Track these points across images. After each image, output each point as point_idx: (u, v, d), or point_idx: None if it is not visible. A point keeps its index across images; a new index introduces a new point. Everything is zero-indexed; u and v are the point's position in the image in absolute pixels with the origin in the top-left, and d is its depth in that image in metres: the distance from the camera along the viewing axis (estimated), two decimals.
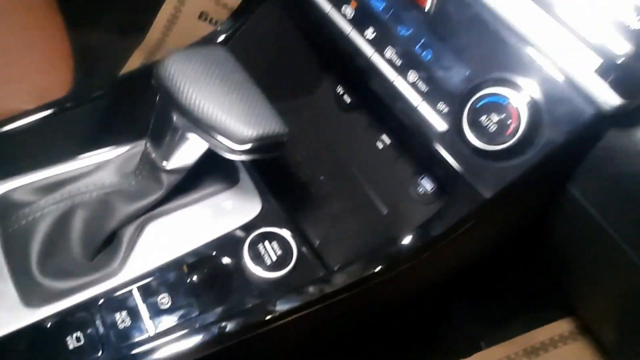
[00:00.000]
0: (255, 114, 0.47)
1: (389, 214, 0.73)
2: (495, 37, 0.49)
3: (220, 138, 0.47)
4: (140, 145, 0.59)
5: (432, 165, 0.64)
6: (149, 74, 0.51)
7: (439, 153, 0.54)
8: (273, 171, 0.67)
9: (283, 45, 0.72)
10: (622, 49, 0.39)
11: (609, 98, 0.42)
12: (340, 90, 0.76)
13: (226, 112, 0.47)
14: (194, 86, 0.47)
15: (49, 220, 0.54)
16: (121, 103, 0.66)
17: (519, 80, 0.48)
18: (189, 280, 0.56)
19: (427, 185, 0.70)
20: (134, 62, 1.51)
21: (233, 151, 0.48)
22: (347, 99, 0.76)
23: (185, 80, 0.47)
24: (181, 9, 1.56)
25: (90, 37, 1.50)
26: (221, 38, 0.69)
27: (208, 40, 0.70)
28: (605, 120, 0.45)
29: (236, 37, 0.69)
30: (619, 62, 0.39)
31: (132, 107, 0.66)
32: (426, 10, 0.54)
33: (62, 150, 0.61)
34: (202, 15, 1.56)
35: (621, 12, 0.38)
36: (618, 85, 0.40)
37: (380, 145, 0.74)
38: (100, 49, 1.49)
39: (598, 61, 0.40)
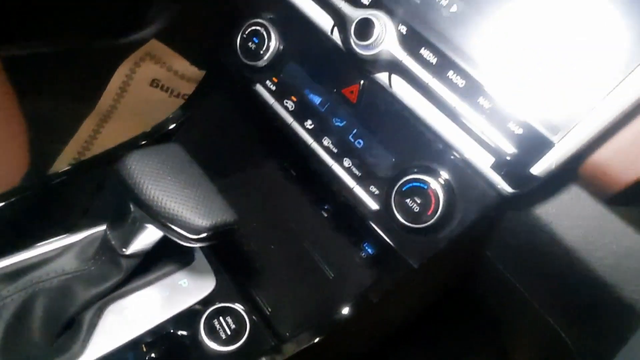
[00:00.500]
0: (208, 205, 0.53)
1: (335, 278, 0.79)
2: (415, 132, 0.57)
3: (176, 229, 0.52)
4: (99, 232, 0.63)
5: (369, 236, 0.71)
6: (104, 162, 0.56)
7: (373, 228, 0.62)
8: (226, 246, 0.73)
9: (231, 127, 0.79)
10: (508, 150, 0.48)
11: (504, 187, 0.50)
12: (286, 164, 0.83)
13: (181, 205, 0.52)
14: (152, 182, 0.53)
15: (11, 310, 0.56)
16: (78, 189, 0.70)
17: (437, 168, 0.56)
18: (147, 359, 0.59)
19: (369, 249, 0.76)
20: (86, 129, 1.54)
21: (188, 240, 0.53)
22: (293, 172, 0.83)
23: (144, 176, 0.53)
24: (133, 77, 1.61)
25: (42, 105, 1.51)
26: (172, 126, 0.75)
27: (160, 127, 0.75)
28: (506, 201, 0.54)
29: (188, 122, 0.75)
30: (507, 159, 0.48)
31: (88, 194, 0.71)
32: (355, 105, 0.62)
33: (23, 237, 0.64)
34: (154, 82, 1.62)
35: (508, 121, 0.48)
36: (508, 178, 0.49)
37: (325, 214, 0.81)
38: (51, 117, 1.51)
39: (492, 159, 0.49)
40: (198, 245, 0.54)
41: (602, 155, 0.48)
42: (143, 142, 0.74)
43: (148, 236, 0.57)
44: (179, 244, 0.55)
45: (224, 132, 0.79)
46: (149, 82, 1.61)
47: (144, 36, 1.60)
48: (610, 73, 0.43)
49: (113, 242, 0.59)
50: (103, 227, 0.60)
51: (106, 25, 1.56)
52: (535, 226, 0.56)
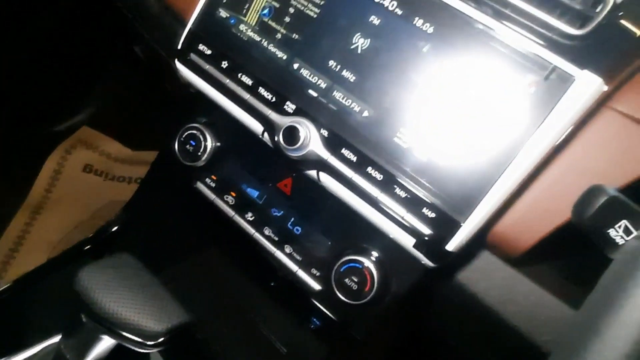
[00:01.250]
0: (162, 310, 0.57)
1: (288, 353, 0.83)
2: (347, 218, 0.64)
3: (133, 337, 0.55)
4: (52, 345, 0.64)
5: (316, 312, 0.76)
6: (50, 271, 0.58)
7: (318, 306, 0.67)
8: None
9: (176, 223, 0.83)
10: (425, 232, 0.56)
11: (427, 262, 0.58)
12: (233, 253, 0.88)
13: (136, 314, 0.55)
14: (105, 295, 0.56)
15: None
16: (25, 302, 0.71)
17: (370, 249, 0.63)
18: None
19: (317, 322, 0.81)
20: (18, 223, 1.50)
21: (146, 346, 0.56)
22: (241, 260, 0.87)
23: (97, 291, 0.56)
24: (65, 164, 1.61)
25: None
26: (115, 228, 0.78)
27: (103, 232, 0.78)
28: (432, 273, 0.61)
29: (132, 222, 0.78)
30: (424, 240, 0.56)
31: (37, 307, 0.71)
32: (290, 196, 0.69)
33: None
34: (87, 168, 1.62)
35: (422, 207, 0.56)
36: (428, 255, 0.57)
37: (274, 294, 0.85)
38: None
39: (413, 240, 0.57)
40: (155, 350, 0.57)
41: (502, 227, 0.57)
42: (87, 247, 0.76)
43: (103, 346, 0.59)
44: (136, 350, 0.57)
45: (170, 228, 0.82)
46: (82, 168, 1.61)
47: (75, 123, 1.61)
48: (499, 158, 0.53)
49: (68, 356, 0.60)
50: (56, 340, 0.62)
51: (35, 114, 1.56)
52: (459, 290, 0.63)
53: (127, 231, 0.78)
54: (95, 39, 1.36)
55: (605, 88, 0.51)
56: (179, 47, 0.68)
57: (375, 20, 0.58)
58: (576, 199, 0.46)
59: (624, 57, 0.51)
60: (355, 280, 0.63)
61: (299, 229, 0.69)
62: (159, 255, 0.63)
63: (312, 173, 0.62)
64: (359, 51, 0.59)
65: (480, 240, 0.59)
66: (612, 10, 0.51)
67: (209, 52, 0.67)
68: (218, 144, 0.73)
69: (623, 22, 0.51)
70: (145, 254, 0.64)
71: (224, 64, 0.65)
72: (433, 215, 0.55)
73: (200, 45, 0.67)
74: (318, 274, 0.67)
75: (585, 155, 0.53)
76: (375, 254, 0.63)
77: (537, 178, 0.55)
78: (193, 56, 0.67)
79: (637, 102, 0.52)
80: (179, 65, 0.69)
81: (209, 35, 0.67)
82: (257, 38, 0.64)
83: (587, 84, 0.50)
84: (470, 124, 0.54)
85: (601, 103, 0.53)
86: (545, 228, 0.55)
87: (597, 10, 0.52)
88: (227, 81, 0.65)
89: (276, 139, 0.61)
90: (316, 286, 0.67)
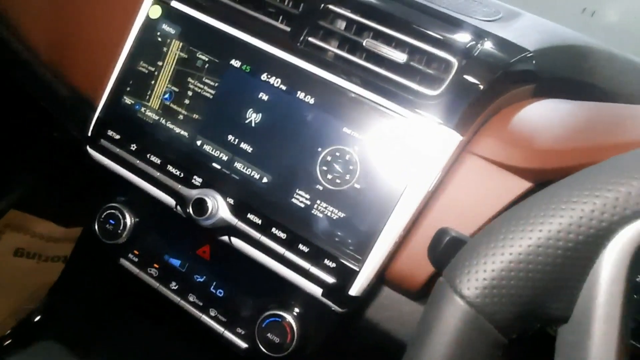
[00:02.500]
0: None
1: None
2: (263, 275, 0.68)
3: None
4: None
5: None
6: None
7: None
8: None
9: (104, 297, 0.85)
10: (329, 281, 0.61)
11: (337, 308, 0.63)
12: (162, 317, 0.90)
13: None
14: None
15: None
16: None
17: (287, 303, 0.68)
18: None
19: None
20: None
21: None
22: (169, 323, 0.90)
23: None
24: None
25: None
26: (38, 317, 0.79)
27: (26, 321, 0.78)
28: (346, 317, 0.66)
29: (56, 309, 0.80)
30: (329, 288, 0.61)
31: None
32: (210, 261, 0.73)
33: None
34: (19, 252, 1.58)
35: (323, 259, 0.61)
36: (336, 301, 0.62)
37: (207, 358, 0.88)
38: None
39: (320, 290, 0.62)
40: None
41: (398, 266, 0.63)
42: (8, 342, 0.76)
43: None
44: None
45: (97, 306, 0.84)
46: (13, 253, 1.57)
47: (2, 208, 1.58)
48: (382, 209, 0.60)
49: None
50: None
51: None
52: (373, 330, 0.69)
53: (53, 317, 0.79)
54: (15, 128, 1.37)
55: (462, 138, 0.59)
56: (89, 134, 0.73)
57: (264, 96, 0.65)
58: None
59: (474, 108, 0.60)
60: (277, 333, 0.67)
61: (222, 291, 0.73)
62: (88, 336, 0.65)
63: (225, 238, 0.67)
64: (253, 125, 0.65)
65: (383, 281, 0.65)
66: (458, 72, 0.61)
67: (117, 137, 0.71)
68: (137, 219, 0.76)
69: (468, 78, 0.61)
70: (73, 337, 0.66)
71: (133, 147, 0.70)
72: (333, 265, 0.61)
73: (109, 131, 0.72)
74: (243, 332, 0.71)
75: (455, 197, 0.61)
76: (294, 306, 0.68)
77: (420, 220, 0.62)
78: (103, 142, 0.72)
79: (491, 145, 0.61)
80: (90, 151, 0.73)
81: (116, 121, 0.72)
82: (162, 120, 0.70)
83: (445, 137, 0.59)
84: (355, 181, 0.61)
85: (463, 149, 0.61)
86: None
87: (447, 73, 0.61)
88: (137, 162, 0.70)
89: (187, 210, 0.66)
90: (242, 344, 0.70)
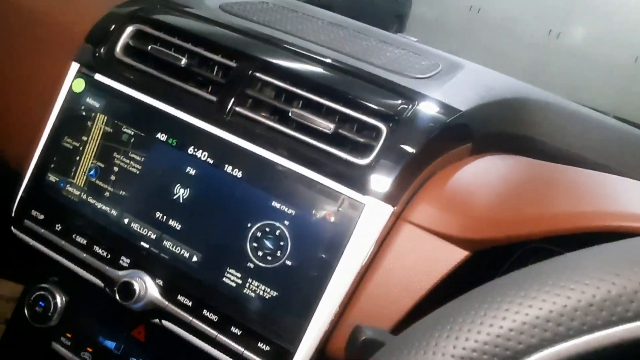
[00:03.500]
0: None
1: None
2: (202, 355, 0.64)
3: None
4: None
5: None
6: None
7: None
8: None
9: None
10: None
11: None
12: None
13: None
14: None
15: None
16: None
17: None
18: None
19: None
20: None
21: None
22: None
23: None
24: None
25: None
26: None
27: None
28: None
29: None
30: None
31: None
32: (145, 342, 0.69)
33: None
34: None
35: (256, 342, 0.58)
36: None
37: None
38: None
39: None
40: None
41: (336, 343, 0.59)
42: None
43: None
44: None
45: None
46: None
47: None
48: (315, 286, 0.57)
49: None
50: None
51: None
52: None
53: None
54: None
55: (393, 209, 0.57)
56: (12, 214, 0.69)
57: (191, 170, 0.63)
58: (387, 310, 0.50)
59: (405, 175, 0.58)
60: None
61: None
62: None
63: (157, 321, 0.63)
64: (181, 200, 0.62)
65: (325, 358, 0.61)
66: (387, 138, 0.59)
67: (41, 217, 0.68)
68: (68, 299, 0.72)
69: (398, 144, 0.59)
70: None
71: (58, 227, 0.67)
72: (268, 348, 0.58)
73: (33, 210, 0.68)
74: None
75: (392, 268, 0.58)
76: None
77: (356, 295, 0.59)
78: (27, 222, 0.68)
79: (426, 213, 0.59)
80: (15, 232, 0.69)
81: (40, 200, 0.68)
82: (87, 198, 0.66)
83: (375, 209, 0.57)
84: (287, 258, 0.58)
85: (399, 217, 0.59)
86: None
87: (377, 140, 0.59)
88: (63, 243, 0.66)
89: (114, 294, 0.62)
90: None
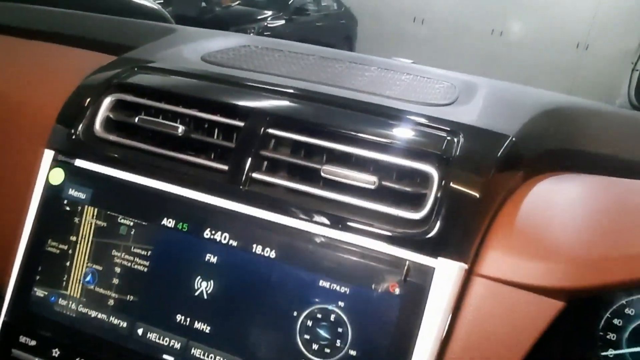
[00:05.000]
0: None
1: None
2: None
3: None
4: None
5: None
6: None
7: None
8: None
9: None
10: None
11: None
12: None
13: None
14: None
15: None
16: None
17: None
18: None
19: None
20: None
21: None
22: None
23: None
24: None
25: None
26: None
27: None
28: None
29: None
30: None
31: None
32: None
33: None
34: None
35: None
36: None
37: None
38: None
39: None
40: None
41: None
42: None
43: None
44: None
45: None
46: None
47: None
48: None
49: None
50: None
51: None
52: None
53: None
54: None
55: (466, 266, 0.48)
56: None
57: (211, 258, 0.52)
58: None
59: (472, 224, 0.49)
60: None
61: None
62: None
63: None
64: (205, 296, 0.51)
65: None
66: (440, 184, 0.50)
67: (33, 342, 0.55)
68: None
69: (456, 189, 0.50)
70: None
71: (55, 353, 0.54)
72: None
73: (21, 336, 0.55)
74: None
75: (478, 337, 0.49)
76: None
77: None
78: (16, 352, 0.55)
79: (501, 263, 0.50)
80: None
81: (28, 323, 0.56)
82: (87, 311, 0.54)
83: (447, 270, 0.47)
84: (349, 347, 0.48)
85: (470, 273, 0.50)
86: None
87: (427, 187, 0.50)
88: None
89: None
90: None
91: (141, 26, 0.93)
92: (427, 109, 0.59)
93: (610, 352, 0.54)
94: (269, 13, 5.53)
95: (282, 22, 5.56)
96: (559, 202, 0.54)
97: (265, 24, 5.40)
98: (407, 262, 0.47)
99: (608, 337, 0.53)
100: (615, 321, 0.53)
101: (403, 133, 0.54)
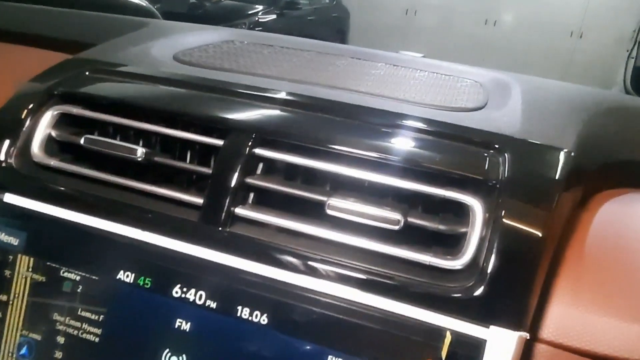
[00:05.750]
0: None
1: None
2: None
3: None
4: None
5: None
6: None
7: None
8: None
9: None
10: None
11: None
12: None
13: None
14: None
15: None
16: None
17: None
18: None
19: None
20: None
21: None
22: None
23: None
24: None
25: None
26: None
27: None
28: None
29: None
30: None
31: None
32: None
33: None
34: None
35: None
36: None
37: None
38: None
39: None
40: None
41: None
42: None
43: None
44: None
45: None
46: None
47: None
48: None
49: None
50: None
51: None
52: None
53: None
54: None
55: (527, 335, 0.35)
56: None
57: (183, 324, 0.39)
58: None
59: (533, 274, 0.37)
60: None
61: None
62: None
63: None
64: None
65: None
66: (485, 217, 0.37)
67: None
68: None
69: (508, 222, 0.37)
70: None
71: None
72: None
73: None
74: None
75: None
76: None
77: None
78: None
79: (565, 325, 0.37)
80: None
81: None
82: None
83: (502, 342, 0.34)
84: None
85: (533, 340, 0.37)
86: None
87: (466, 223, 0.38)
88: None
89: None
90: None
91: (107, 20, 0.79)
92: (455, 115, 0.46)
93: None
94: (260, 8, 5.39)
95: (274, 16, 5.42)
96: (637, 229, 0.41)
97: (257, 19, 5.26)
98: (447, 332, 0.35)
99: None
100: None
101: (432, 151, 0.41)
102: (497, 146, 0.41)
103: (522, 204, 0.38)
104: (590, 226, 0.43)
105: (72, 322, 0.41)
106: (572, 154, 0.42)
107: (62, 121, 0.47)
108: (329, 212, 0.38)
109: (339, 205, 0.38)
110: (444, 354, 0.34)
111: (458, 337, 0.34)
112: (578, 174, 0.43)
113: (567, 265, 0.39)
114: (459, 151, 0.41)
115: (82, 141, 0.43)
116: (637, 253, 0.40)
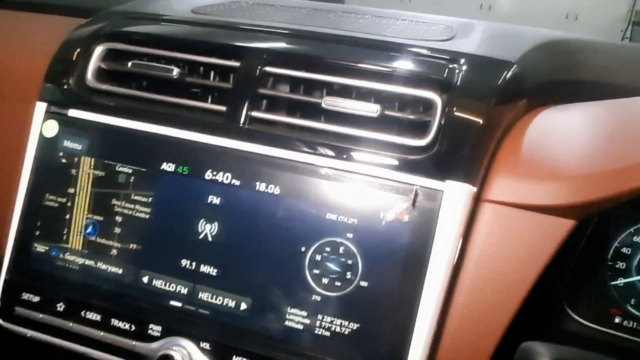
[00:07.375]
0: None
1: None
2: None
3: None
4: None
5: None
6: None
7: None
8: None
9: None
10: None
11: None
12: None
13: None
14: None
15: None
16: None
17: None
18: None
19: None
20: None
21: None
22: None
23: None
24: None
25: None
26: None
27: None
28: None
29: None
30: None
31: None
32: None
33: None
34: None
35: None
36: None
37: None
38: None
39: None
40: None
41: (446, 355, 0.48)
42: None
43: None
44: None
45: None
46: None
47: None
48: (405, 299, 0.45)
49: None
50: None
51: None
52: None
53: None
54: None
55: (475, 189, 0.47)
56: None
57: (214, 199, 0.50)
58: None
59: (478, 148, 0.48)
60: None
61: None
62: None
63: None
64: (210, 238, 0.50)
65: None
66: (444, 110, 0.49)
67: (36, 299, 0.54)
68: None
69: (461, 115, 0.49)
70: None
71: (60, 307, 0.53)
72: None
73: (24, 294, 0.54)
74: None
75: (492, 260, 0.48)
76: None
77: (454, 298, 0.48)
78: (19, 309, 0.54)
79: (510, 187, 0.48)
80: (6, 325, 0.55)
81: (30, 279, 0.55)
82: (90, 263, 0.53)
83: (456, 193, 0.46)
84: (360, 278, 0.47)
85: (478, 199, 0.49)
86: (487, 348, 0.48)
87: (430, 114, 0.49)
88: (71, 325, 0.53)
89: None
90: None
91: None
92: (425, 43, 0.58)
93: (620, 281, 0.53)
94: None
95: None
96: (562, 127, 0.53)
97: None
98: (415, 187, 0.46)
99: (617, 266, 0.53)
100: (624, 250, 0.52)
101: (403, 62, 0.52)
102: (455, 58, 0.52)
103: (471, 99, 0.49)
104: (530, 124, 0.54)
105: (127, 205, 0.53)
106: (515, 66, 0.54)
107: (109, 55, 0.58)
108: (325, 106, 0.50)
109: (331, 101, 0.50)
110: (412, 203, 0.46)
111: (423, 190, 0.46)
112: (519, 83, 0.54)
113: (508, 147, 0.51)
114: (426, 62, 0.52)
115: (129, 65, 0.55)
116: (558, 140, 0.51)
